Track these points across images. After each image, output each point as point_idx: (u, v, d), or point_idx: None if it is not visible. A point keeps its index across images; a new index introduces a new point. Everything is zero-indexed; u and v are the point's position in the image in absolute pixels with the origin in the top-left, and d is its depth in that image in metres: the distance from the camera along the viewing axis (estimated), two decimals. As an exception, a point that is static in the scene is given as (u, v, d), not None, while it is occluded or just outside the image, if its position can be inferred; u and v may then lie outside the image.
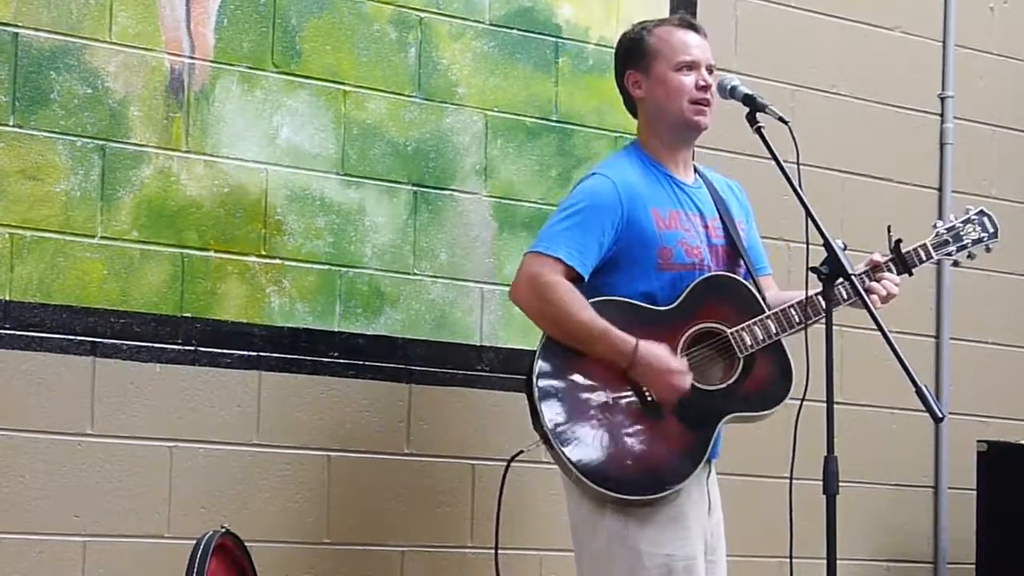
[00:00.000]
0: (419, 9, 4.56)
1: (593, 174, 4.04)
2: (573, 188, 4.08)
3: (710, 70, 4.04)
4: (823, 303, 3.84)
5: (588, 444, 3.84)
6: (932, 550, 5.42)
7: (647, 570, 3.83)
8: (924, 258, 4.11)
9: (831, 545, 3.54)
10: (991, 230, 4.20)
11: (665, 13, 4.90)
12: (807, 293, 3.91)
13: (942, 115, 5.54)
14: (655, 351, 3.85)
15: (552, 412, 3.84)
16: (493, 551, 4.01)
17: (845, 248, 3.69)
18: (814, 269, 3.70)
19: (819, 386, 3.64)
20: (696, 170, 4.15)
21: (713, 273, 3.98)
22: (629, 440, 3.86)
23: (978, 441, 5.27)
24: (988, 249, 4.21)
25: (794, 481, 3.79)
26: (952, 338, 5.49)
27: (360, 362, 4.42)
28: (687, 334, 3.92)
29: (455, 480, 4.50)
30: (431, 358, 4.52)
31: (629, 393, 3.87)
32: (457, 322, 4.56)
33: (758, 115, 3.87)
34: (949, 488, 5.42)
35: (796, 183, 3.75)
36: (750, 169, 4.88)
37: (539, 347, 3.90)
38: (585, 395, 3.87)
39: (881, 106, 5.42)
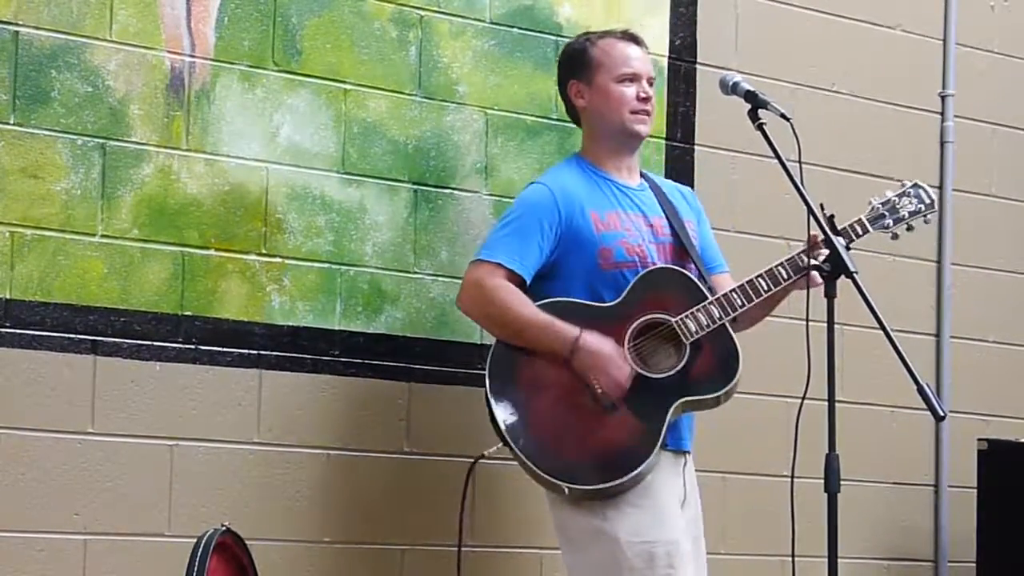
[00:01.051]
0: (420, 7, 4.56)
1: (530, 183, 4.18)
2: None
3: (651, 82, 4.18)
4: (764, 284, 3.96)
5: (542, 440, 3.92)
6: (933, 548, 5.41)
7: (629, 559, 3.89)
8: (860, 232, 4.13)
9: (832, 543, 3.55)
10: (928, 201, 4.22)
11: (665, 11, 4.92)
12: (807, 293, 3.93)
13: (943, 113, 5.53)
14: (598, 339, 3.92)
15: (506, 413, 3.94)
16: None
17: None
18: (816, 267, 3.71)
19: (820, 384, 3.64)
20: (644, 175, 4.24)
21: (654, 267, 4.04)
22: (582, 433, 3.93)
23: (979, 439, 5.26)
24: (927, 220, 4.24)
25: (795, 479, 3.79)
26: (953, 336, 5.48)
27: (360, 360, 4.42)
28: (633, 326, 3.98)
29: (455, 478, 4.49)
30: (431, 356, 4.51)
31: (580, 387, 3.93)
32: (457, 320, 4.54)
33: (760, 112, 3.88)
34: (950, 486, 5.42)
35: (798, 180, 3.75)
36: (751, 167, 4.88)
37: (490, 352, 4.00)
38: (537, 393, 3.96)
39: (882, 104, 5.41)
